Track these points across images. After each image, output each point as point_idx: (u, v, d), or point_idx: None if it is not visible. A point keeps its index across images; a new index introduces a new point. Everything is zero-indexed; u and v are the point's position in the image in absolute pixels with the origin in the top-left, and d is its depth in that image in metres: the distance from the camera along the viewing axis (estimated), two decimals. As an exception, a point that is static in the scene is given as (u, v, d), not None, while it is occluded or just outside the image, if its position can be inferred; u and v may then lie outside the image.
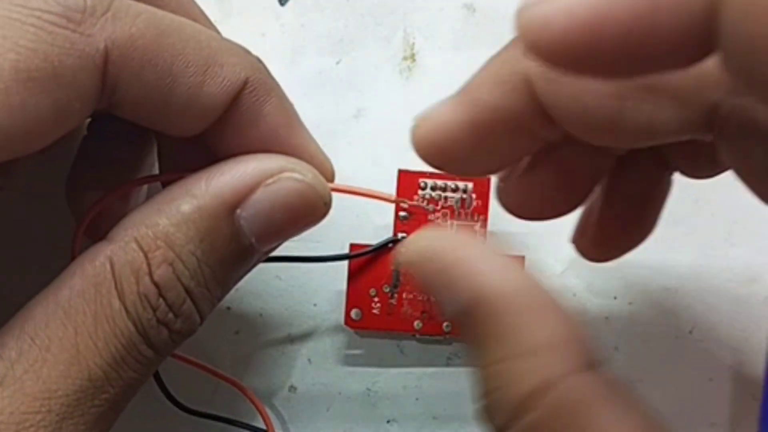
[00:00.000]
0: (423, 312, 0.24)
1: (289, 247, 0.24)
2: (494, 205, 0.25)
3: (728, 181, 0.26)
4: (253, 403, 0.24)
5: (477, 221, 0.24)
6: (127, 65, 0.17)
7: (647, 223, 0.21)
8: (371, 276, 0.24)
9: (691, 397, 0.25)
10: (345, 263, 0.24)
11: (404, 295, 0.24)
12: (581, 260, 0.26)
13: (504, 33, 0.26)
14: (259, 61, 0.19)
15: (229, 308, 0.25)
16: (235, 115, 0.18)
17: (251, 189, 0.18)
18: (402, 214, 0.24)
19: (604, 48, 0.12)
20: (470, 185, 0.24)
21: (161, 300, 0.18)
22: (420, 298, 0.24)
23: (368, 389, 0.26)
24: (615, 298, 0.26)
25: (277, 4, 0.26)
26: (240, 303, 0.25)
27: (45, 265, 0.24)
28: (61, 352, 0.17)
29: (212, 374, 0.24)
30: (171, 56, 0.17)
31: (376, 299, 0.24)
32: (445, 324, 0.24)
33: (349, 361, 0.26)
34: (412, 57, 0.26)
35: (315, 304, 0.26)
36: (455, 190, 0.24)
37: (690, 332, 0.26)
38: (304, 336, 0.26)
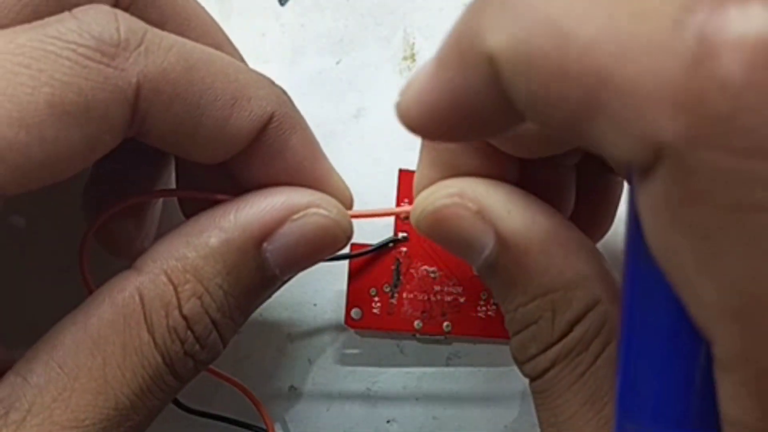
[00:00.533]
0: (423, 312, 0.24)
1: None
2: None
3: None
4: (254, 402, 0.24)
5: None
6: (158, 99, 0.17)
7: (603, 223, 0.22)
8: (372, 275, 0.24)
9: (691, 397, 0.25)
10: (345, 263, 0.24)
11: (404, 295, 0.24)
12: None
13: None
14: (284, 92, 0.20)
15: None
16: (261, 147, 0.19)
17: (279, 223, 0.19)
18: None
19: (439, 126, 0.15)
20: None
21: (189, 333, 0.18)
22: (420, 297, 0.24)
23: (368, 389, 0.26)
24: (615, 298, 0.26)
25: (277, 4, 0.26)
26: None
27: (52, 265, 0.24)
28: (90, 382, 0.17)
29: (213, 375, 0.24)
30: (200, 90, 0.17)
31: (376, 299, 0.24)
32: (445, 324, 0.24)
33: (349, 361, 0.26)
34: (412, 57, 0.26)
35: (315, 304, 0.26)
36: None
37: (690, 332, 0.26)
38: (304, 336, 0.26)
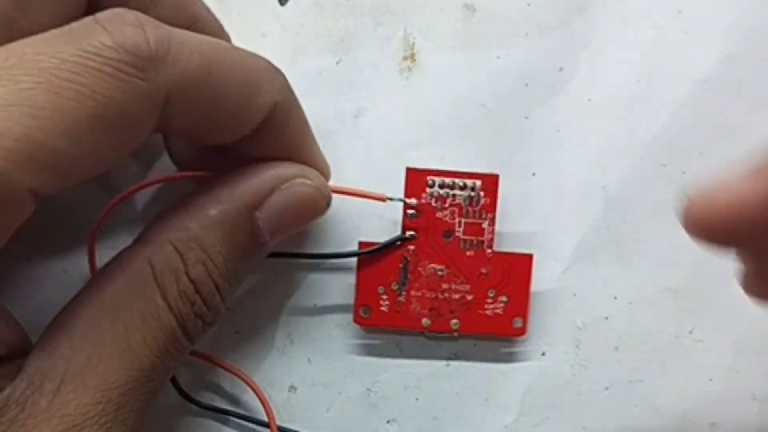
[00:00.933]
0: (431, 309, 0.24)
1: (298, 245, 0.25)
2: (502, 202, 0.25)
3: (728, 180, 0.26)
4: (255, 391, 0.24)
5: (485, 219, 0.24)
6: (182, 102, 0.19)
7: None
8: (380, 273, 0.24)
9: (691, 397, 0.25)
10: (349, 262, 0.24)
11: (412, 293, 0.24)
12: (581, 260, 0.26)
13: (504, 33, 0.26)
14: (282, 75, 0.21)
15: (229, 308, 0.25)
16: (263, 130, 0.21)
17: (269, 193, 0.21)
18: (410, 212, 0.24)
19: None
20: (478, 183, 0.24)
21: (197, 295, 0.20)
22: (428, 295, 0.24)
23: (368, 389, 0.26)
24: (615, 298, 0.26)
25: (277, 4, 0.26)
26: (240, 303, 0.25)
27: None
28: (114, 348, 0.19)
29: (214, 364, 0.24)
30: (218, 90, 0.19)
31: (384, 297, 0.24)
32: (453, 321, 0.24)
33: (349, 361, 0.26)
34: (412, 57, 0.26)
35: (315, 304, 0.26)
36: (463, 188, 0.24)
37: (690, 332, 0.26)
38: (304, 336, 0.26)
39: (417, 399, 0.26)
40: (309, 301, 0.26)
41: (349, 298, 0.25)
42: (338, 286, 0.25)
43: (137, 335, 0.19)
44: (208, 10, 0.23)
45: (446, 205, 0.24)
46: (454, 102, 0.26)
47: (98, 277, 0.20)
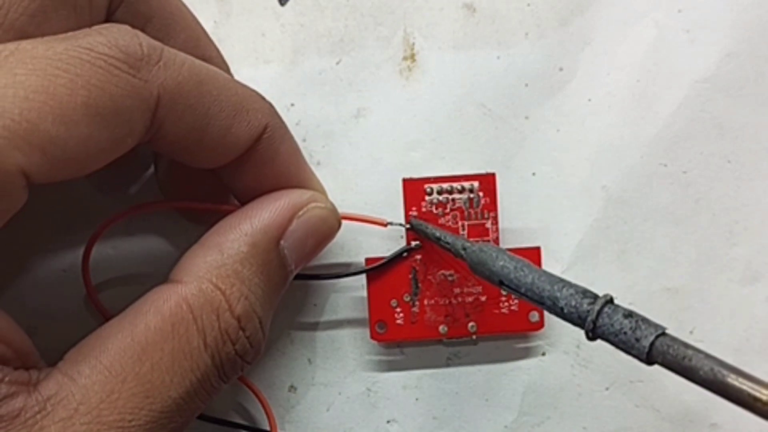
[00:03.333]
0: (447, 316, 0.24)
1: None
2: (502, 201, 0.25)
3: (728, 181, 0.26)
4: (257, 396, 0.24)
5: (487, 218, 0.24)
6: (173, 108, 0.19)
7: None
8: (390, 287, 0.24)
9: (691, 397, 0.25)
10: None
11: (425, 302, 0.24)
12: (581, 260, 0.26)
13: (504, 33, 0.26)
14: (271, 105, 0.22)
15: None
16: (255, 154, 0.21)
17: (289, 222, 0.21)
18: (413, 223, 0.24)
19: None
20: (476, 184, 0.24)
21: (241, 333, 0.20)
22: (442, 302, 0.24)
23: (368, 389, 0.26)
24: (615, 298, 0.26)
25: (277, 4, 0.26)
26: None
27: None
28: (137, 386, 0.18)
29: None
30: (208, 102, 0.20)
31: (398, 309, 0.24)
32: (470, 324, 0.24)
33: (349, 361, 0.26)
34: (412, 57, 0.26)
35: (315, 304, 0.26)
36: (462, 191, 0.24)
37: (690, 332, 0.26)
38: (304, 336, 0.26)
39: (417, 399, 0.26)
40: (309, 301, 0.26)
41: (350, 300, 0.25)
42: (338, 286, 0.25)
43: (164, 376, 0.19)
44: (218, 52, 0.23)
45: (447, 211, 0.24)
46: (454, 102, 0.26)
47: (131, 309, 0.20)
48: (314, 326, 0.26)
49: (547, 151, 0.26)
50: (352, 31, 0.26)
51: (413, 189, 0.24)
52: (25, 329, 0.24)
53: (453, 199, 0.24)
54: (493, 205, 0.24)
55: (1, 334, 0.19)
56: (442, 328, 0.24)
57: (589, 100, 0.26)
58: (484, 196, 0.24)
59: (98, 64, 0.17)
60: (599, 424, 0.25)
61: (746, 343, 0.26)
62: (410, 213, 0.24)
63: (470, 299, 0.24)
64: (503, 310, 0.24)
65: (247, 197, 0.22)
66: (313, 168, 0.24)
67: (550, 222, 0.26)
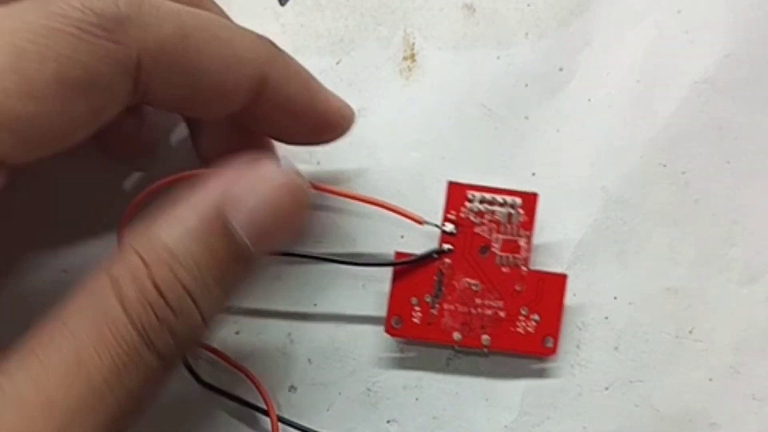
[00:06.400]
0: (463, 324, 0.24)
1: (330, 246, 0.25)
2: (540, 221, 0.25)
3: (728, 180, 0.26)
4: (258, 389, 0.24)
5: (522, 236, 0.24)
6: (157, 68, 0.18)
7: None
8: (414, 285, 0.24)
9: (691, 397, 0.25)
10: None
11: (445, 306, 0.24)
12: (581, 260, 0.26)
13: (504, 33, 0.26)
14: (273, 44, 0.20)
15: (229, 308, 0.25)
16: (262, 101, 0.20)
17: (242, 192, 0.19)
18: (449, 227, 0.24)
19: None
20: (518, 200, 0.24)
21: (160, 299, 0.18)
22: (461, 309, 0.24)
23: (368, 389, 0.26)
24: (615, 298, 0.26)
25: (277, 4, 0.26)
26: (240, 303, 0.25)
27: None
28: (62, 363, 0.17)
29: (221, 359, 0.24)
30: (196, 57, 0.18)
31: (417, 308, 0.24)
32: (484, 337, 0.24)
33: (350, 361, 0.26)
34: (412, 57, 0.26)
35: (315, 304, 0.26)
36: (503, 204, 0.24)
37: (690, 332, 0.26)
38: (304, 336, 0.26)
39: (417, 399, 0.26)
40: (309, 301, 0.26)
41: (350, 299, 0.25)
42: (338, 287, 0.25)
43: (89, 349, 0.17)
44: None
45: (485, 221, 0.24)
46: (454, 102, 0.26)
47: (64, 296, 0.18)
48: (314, 326, 0.26)
49: (547, 151, 0.26)
50: (352, 31, 0.26)
51: (457, 193, 0.24)
52: (25, 330, 0.24)
53: (492, 211, 0.24)
54: (530, 225, 0.24)
55: None
56: (456, 335, 0.24)
57: (589, 100, 0.26)
58: (524, 213, 0.24)
59: (69, 31, 0.16)
60: (599, 424, 0.25)
61: (745, 343, 0.26)
62: (448, 216, 0.24)
63: (489, 312, 0.24)
64: (519, 330, 0.24)
65: (269, 129, 0.22)
66: (313, 168, 0.24)
67: (549, 222, 0.26)
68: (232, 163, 0.19)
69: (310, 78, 0.22)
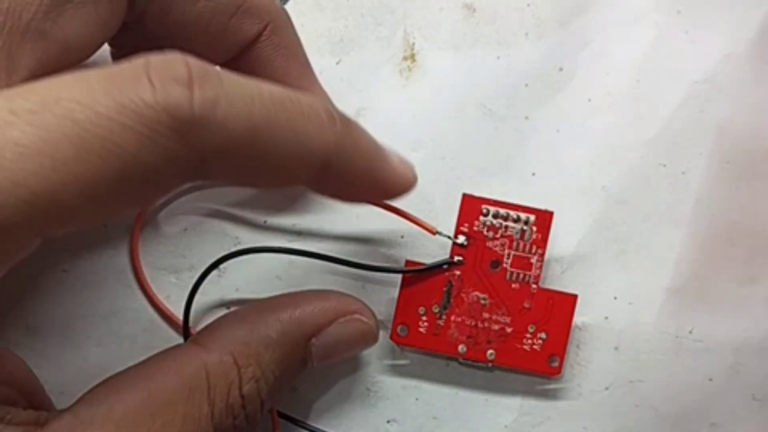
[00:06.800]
0: (469, 337, 0.24)
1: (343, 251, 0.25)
2: (552, 239, 0.25)
3: (728, 181, 0.26)
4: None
5: (534, 254, 0.24)
6: (219, 162, 0.17)
7: None
8: (422, 294, 0.24)
9: (691, 397, 0.25)
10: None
11: (453, 318, 0.24)
12: (581, 260, 0.26)
13: (504, 33, 0.26)
14: (343, 121, 0.20)
15: (229, 309, 0.25)
16: (325, 177, 0.20)
17: (327, 324, 0.22)
18: (461, 239, 0.24)
19: None
20: (532, 218, 0.24)
21: (242, 411, 0.20)
22: (468, 322, 0.24)
23: (368, 389, 0.26)
24: (615, 298, 0.26)
25: (277, 4, 0.26)
26: (240, 303, 0.25)
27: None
28: None
29: None
30: (262, 151, 0.18)
31: (424, 318, 0.24)
32: (489, 352, 0.24)
33: (349, 361, 0.26)
34: (412, 57, 0.26)
35: (315, 304, 0.26)
36: (517, 220, 0.24)
37: (690, 332, 0.26)
38: (304, 336, 0.26)
39: (417, 399, 0.26)
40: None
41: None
42: (340, 287, 0.25)
43: None
44: None
45: (498, 236, 0.24)
46: (454, 102, 0.26)
47: (150, 363, 0.20)
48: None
49: (547, 151, 0.26)
50: (352, 31, 0.26)
51: (471, 205, 0.24)
52: (25, 330, 0.24)
53: (506, 227, 0.24)
54: (543, 243, 0.24)
55: (10, 376, 0.19)
56: (461, 348, 0.24)
57: (589, 100, 0.26)
58: (537, 231, 0.24)
59: (140, 130, 0.16)
60: (599, 424, 0.25)
61: (745, 343, 0.26)
62: (461, 228, 0.24)
63: (496, 327, 0.24)
64: (525, 347, 0.24)
65: (342, 199, 0.22)
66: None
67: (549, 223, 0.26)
68: (322, 296, 0.23)
69: (377, 150, 0.21)
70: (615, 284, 0.26)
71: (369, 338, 0.23)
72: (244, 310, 0.22)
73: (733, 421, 0.25)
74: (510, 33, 0.26)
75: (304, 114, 0.18)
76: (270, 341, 0.21)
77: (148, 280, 0.25)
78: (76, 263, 0.25)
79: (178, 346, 0.21)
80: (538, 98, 0.26)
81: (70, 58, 0.19)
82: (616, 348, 0.26)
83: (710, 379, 0.26)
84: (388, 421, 0.25)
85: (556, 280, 0.25)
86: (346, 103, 0.26)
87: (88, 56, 0.20)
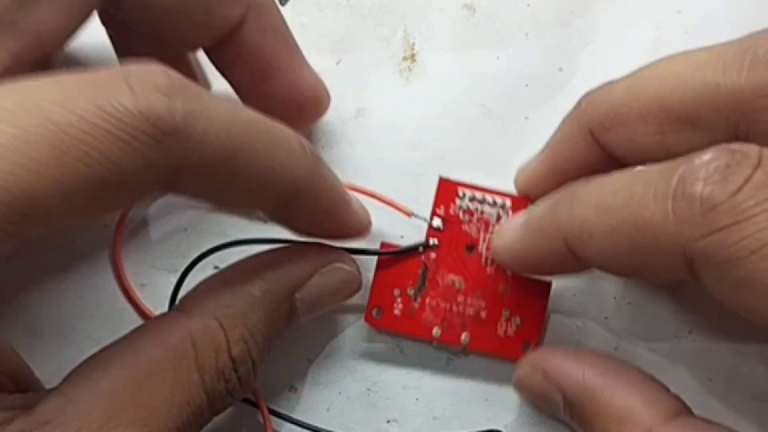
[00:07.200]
0: (443, 320, 0.24)
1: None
2: None
3: (728, 181, 0.26)
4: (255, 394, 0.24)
5: None
6: (194, 176, 0.18)
7: None
8: (397, 277, 0.24)
9: (691, 397, 0.25)
10: (366, 262, 0.24)
11: (427, 300, 0.24)
12: (581, 260, 0.26)
13: (504, 33, 0.26)
14: (314, 156, 0.21)
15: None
16: (237, 39, 0.21)
17: (309, 276, 0.22)
18: (436, 222, 0.24)
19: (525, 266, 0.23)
20: (508, 202, 0.24)
21: (234, 373, 0.20)
22: (442, 305, 0.24)
23: (368, 389, 0.26)
24: (615, 298, 0.26)
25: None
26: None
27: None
28: (136, 414, 0.18)
29: None
30: (236, 172, 0.18)
31: (399, 300, 0.24)
32: (463, 335, 0.24)
33: (349, 361, 0.26)
34: (412, 57, 0.26)
35: (315, 304, 0.26)
36: (493, 204, 0.24)
37: (690, 332, 0.26)
38: (304, 336, 0.26)
39: (417, 399, 0.26)
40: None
41: (350, 300, 0.25)
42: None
43: (162, 406, 0.19)
44: None
45: (473, 219, 0.24)
46: (454, 102, 0.26)
47: (134, 336, 0.20)
48: (314, 326, 0.26)
49: (547, 151, 0.26)
50: (352, 31, 0.26)
51: (447, 189, 0.24)
52: (26, 330, 0.24)
53: (482, 211, 0.24)
54: None
55: None
56: (435, 331, 0.24)
57: (589, 100, 0.26)
58: (513, 214, 0.24)
59: (119, 136, 0.16)
60: (599, 424, 0.25)
61: (746, 343, 0.26)
62: (437, 211, 0.24)
63: (471, 311, 0.24)
64: (499, 333, 0.24)
65: (238, 84, 0.23)
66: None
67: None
68: (301, 249, 0.23)
69: (342, 189, 0.22)
70: (615, 284, 0.26)
71: (352, 284, 0.23)
72: (224, 272, 0.22)
73: (733, 421, 0.25)
74: (510, 33, 0.26)
75: (279, 140, 0.19)
76: (254, 300, 0.21)
77: (129, 279, 0.25)
78: (76, 263, 0.25)
79: (161, 315, 0.21)
80: (538, 98, 0.26)
81: (44, 49, 0.19)
82: (616, 348, 0.26)
83: (710, 379, 0.26)
84: (388, 421, 0.26)
85: (556, 279, 0.25)
86: (346, 103, 0.26)
87: (62, 44, 0.20)
